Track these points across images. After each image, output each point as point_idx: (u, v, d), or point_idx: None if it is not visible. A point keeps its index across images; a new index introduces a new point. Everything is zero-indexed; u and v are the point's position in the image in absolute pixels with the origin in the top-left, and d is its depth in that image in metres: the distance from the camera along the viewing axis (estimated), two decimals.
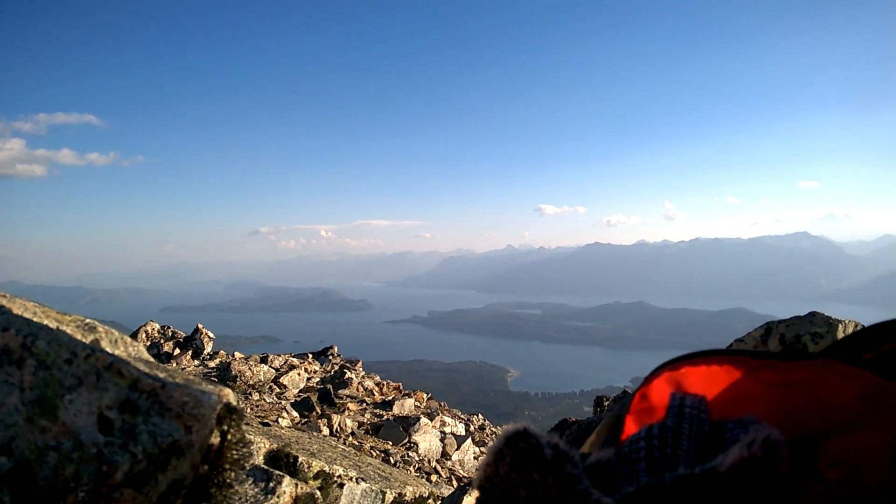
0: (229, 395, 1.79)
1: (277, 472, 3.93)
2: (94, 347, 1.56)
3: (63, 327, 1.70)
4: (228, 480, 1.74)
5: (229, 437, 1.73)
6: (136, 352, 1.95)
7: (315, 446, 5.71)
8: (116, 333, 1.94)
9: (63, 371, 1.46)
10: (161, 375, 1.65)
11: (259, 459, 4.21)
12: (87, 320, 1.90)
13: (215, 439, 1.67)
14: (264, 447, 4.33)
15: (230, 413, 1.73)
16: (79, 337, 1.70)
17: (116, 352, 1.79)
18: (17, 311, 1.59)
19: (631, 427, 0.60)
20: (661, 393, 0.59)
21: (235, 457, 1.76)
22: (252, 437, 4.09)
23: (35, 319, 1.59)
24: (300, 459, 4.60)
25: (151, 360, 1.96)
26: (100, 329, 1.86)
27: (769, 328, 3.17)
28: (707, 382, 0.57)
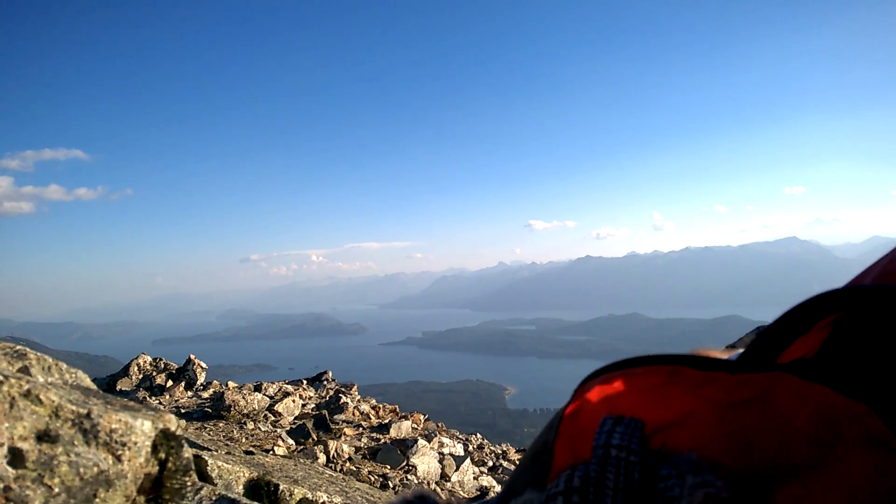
0: (168, 421, 1.74)
1: (252, 502, 3.87)
2: (9, 374, 1.47)
3: None
4: None
5: (169, 464, 1.67)
6: (73, 378, 1.89)
7: (300, 473, 5.63)
8: (50, 360, 1.89)
9: None
10: (92, 402, 1.58)
11: (239, 489, 4.13)
12: (17, 347, 1.85)
13: (152, 468, 1.60)
14: (244, 476, 4.25)
15: (167, 440, 1.66)
16: (3, 365, 1.65)
17: (49, 379, 1.74)
18: None
19: (560, 457, 0.53)
20: (593, 413, 0.53)
21: (176, 486, 1.69)
22: (231, 466, 4.02)
23: None
24: (282, 487, 4.52)
25: (92, 386, 1.90)
26: (31, 356, 1.81)
27: (760, 332, 3.16)
28: (643, 398, 0.51)
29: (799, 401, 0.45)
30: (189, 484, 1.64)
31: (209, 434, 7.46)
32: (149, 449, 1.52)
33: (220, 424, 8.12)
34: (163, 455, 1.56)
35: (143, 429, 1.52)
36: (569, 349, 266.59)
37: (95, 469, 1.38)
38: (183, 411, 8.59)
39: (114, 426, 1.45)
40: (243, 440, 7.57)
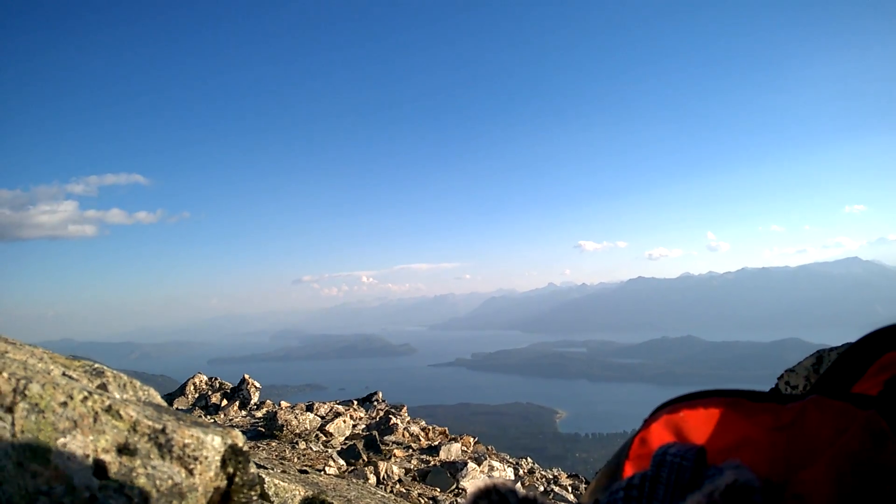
0: (236, 437, 1.84)
1: None
2: (92, 391, 1.54)
3: (70, 372, 1.75)
4: None
5: (236, 479, 1.74)
6: (146, 396, 1.99)
7: (353, 493, 5.67)
8: (125, 377, 1.99)
9: (57, 414, 1.42)
10: (166, 418, 1.64)
11: None
12: (96, 365, 1.94)
13: (221, 482, 1.67)
14: (299, 495, 4.33)
15: (236, 455, 1.76)
16: (84, 381, 1.75)
17: (125, 396, 1.82)
18: (17, 356, 1.59)
19: (629, 473, 0.60)
20: (660, 437, 0.60)
21: (243, 500, 1.77)
22: (287, 484, 4.12)
23: (40, 365, 1.61)
24: None
25: (163, 403, 1.99)
26: (108, 374, 1.90)
27: (820, 356, 3.07)
28: (705, 426, 0.58)
29: (825, 415, 0.51)
30: (255, 498, 1.70)
31: (263, 453, 7.59)
32: (218, 463, 1.59)
33: (273, 444, 8.25)
34: (231, 469, 1.63)
35: (214, 444, 1.59)
36: (621, 372, 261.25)
37: (170, 482, 1.44)
38: (237, 430, 8.78)
39: (186, 441, 1.52)
40: (295, 459, 7.67)
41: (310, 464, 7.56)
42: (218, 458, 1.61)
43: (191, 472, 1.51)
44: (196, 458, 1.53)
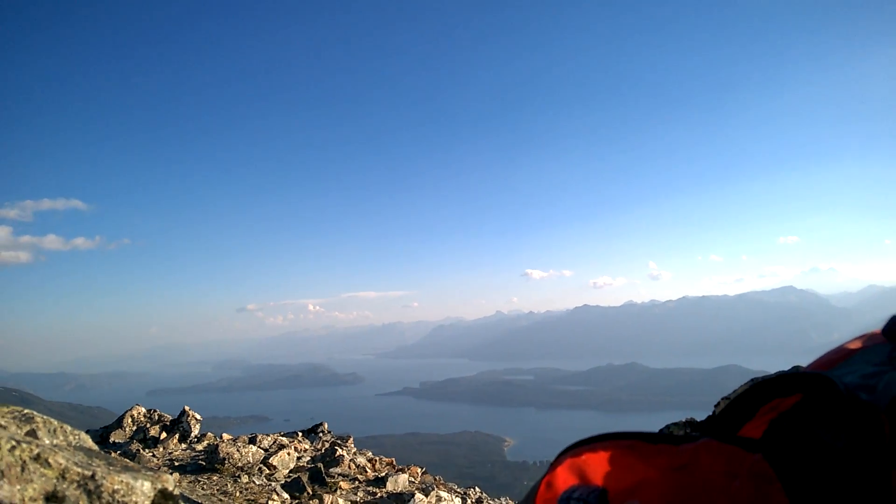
0: (166, 482, 1.85)
1: None
2: (20, 439, 1.55)
3: None
4: None
5: None
6: (77, 440, 1.94)
7: None
8: (55, 423, 1.93)
9: None
10: (96, 463, 1.67)
11: None
12: (25, 411, 1.89)
13: None
14: None
15: (165, 499, 1.77)
16: (13, 429, 1.69)
17: (55, 441, 1.79)
18: None
19: None
20: (564, 481, 0.60)
21: None
22: None
23: None
24: None
25: (94, 447, 1.96)
26: (37, 419, 1.85)
27: (754, 384, 3.16)
28: (606, 468, 0.59)
29: (716, 459, 0.52)
30: None
31: (203, 489, 7.33)
32: None
33: (215, 478, 7.97)
34: None
35: (143, 489, 1.60)
36: (568, 399, 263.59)
37: None
38: (177, 464, 8.44)
39: (116, 487, 1.54)
40: (237, 494, 7.43)
41: (252, 498, 7.33)
42: (148, 502, 1.64)
43: None
44: None
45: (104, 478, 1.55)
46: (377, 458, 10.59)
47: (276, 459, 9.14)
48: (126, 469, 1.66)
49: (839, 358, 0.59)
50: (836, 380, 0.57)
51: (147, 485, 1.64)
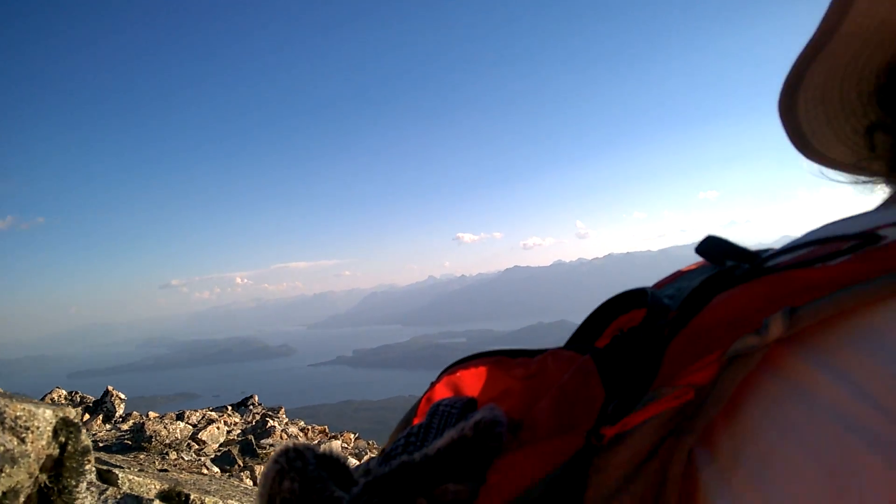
0: (68, 412, 2.00)
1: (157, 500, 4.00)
2: None
3: None
4: (69, 487, 1.96)
5: (69, 447, 1.94)
6: None
7: (214, 486, 5.67)
8: None
9: None
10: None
11: (150, 497, 4.20)
12: None
13: (53, 450, 1.85)
14: (155, 488, 4.32)
15: (67, 426, 1.93)
16: None
17: None
18: None
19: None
20: (441, 395, 0.70)
21: (75, 465, 1.97)
22: (143, 479, 4.15)
23: None
24: (192, 496, 4.61)
25: (2, 391, 2.08)
26: None
27: None
28: (477, 382, 0.69)
29: (558, 363, 0.61)
30: (87, 465, 1.87)
31: (130, 467, 7.24)
32: (50, 433, 1.71)
33: (142, 456, 7.88)
34: (63, 439, 1.75)
35: (45, 416, 1.71)
36: None
37: (1, 448, 1.56)
38: (101, 445, 8.28)
39: (18, 413, 1.66)
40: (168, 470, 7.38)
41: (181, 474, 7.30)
42: (49, 428, 1.74)
43: (22, 441, 1.66)
44: (27, 428, 1.68)
45: (7, 406, 1.65)
46: (309, 427, 10.67)
47: (205, 434, 9.09)
48: (29, 400, 1.86)
49: (672, 278, 0.73)
50: (649, 291, 0.66)
51: (49, 412, 1.74)
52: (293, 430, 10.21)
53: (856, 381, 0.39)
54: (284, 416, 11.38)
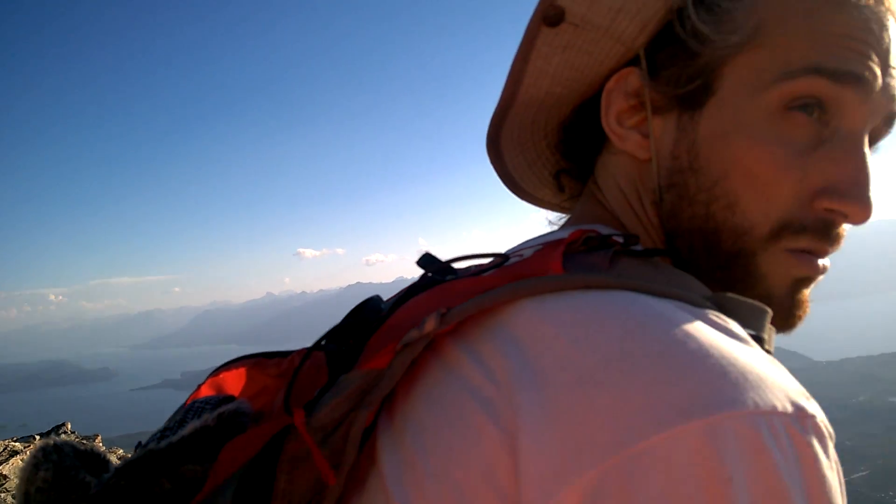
0: None
1: None
2: None
3: None
4: None
5: None
6: None
7: None
8: None
9: None
10: None
11: None
12: None
13: None
14: None
15: None
16: None
17: None
18: None
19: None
20: (205, 395, 0.76)
21: None
22: None
23: None
24: None
25: None
26: None
27: None
28: (238, 382, 0.76)
29: (306, 360, 0.68)
30: None
31: None
32: None
33: None
34: None
35: None
36: None
37: None
38: None
39: None
40: None
41: None
42: None
43: None
44: None
45: None
46: (127, 456, 10.11)
47: (7, 468, 8.34)
48: None
49: (403, 290, 0.78)
50: (376, 299, 0.76)
51: None
52: (112, 459, 9.62)
53: (484, 362, 0.51)
54: (101, 444, 10.65)
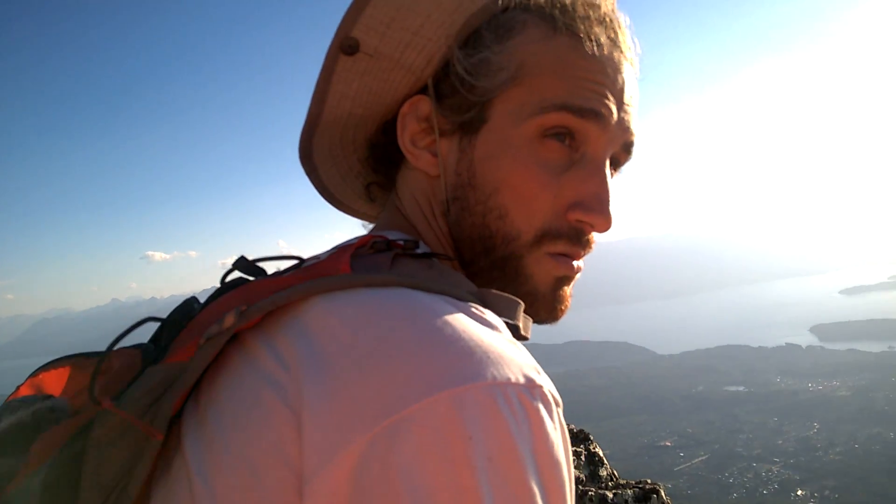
0: None
1: None
2: None
3: None
4: None
5: None
6: None
7: None
8: None
9: None
10: None
11: None
12: None
13: None
14: None
15: None
16: None
17: None
18: None
19: None
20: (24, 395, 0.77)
21: None
22: None
23: None
24: None
25: None
26: None
27: None
28: (59, 382, 0.78)
29: (122, 358, 0.73)
30: None
31: None
32: None
33: None
34: None
35: None
36: None
37: None
38: None
39: None
40: None
41: None
42: None
43: None
44: None
45: None
46: None
47: None
48: None
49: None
50: (192, 300, 0.82)
51: None
52: None
53: (278, 351, 0.58)
54: None
